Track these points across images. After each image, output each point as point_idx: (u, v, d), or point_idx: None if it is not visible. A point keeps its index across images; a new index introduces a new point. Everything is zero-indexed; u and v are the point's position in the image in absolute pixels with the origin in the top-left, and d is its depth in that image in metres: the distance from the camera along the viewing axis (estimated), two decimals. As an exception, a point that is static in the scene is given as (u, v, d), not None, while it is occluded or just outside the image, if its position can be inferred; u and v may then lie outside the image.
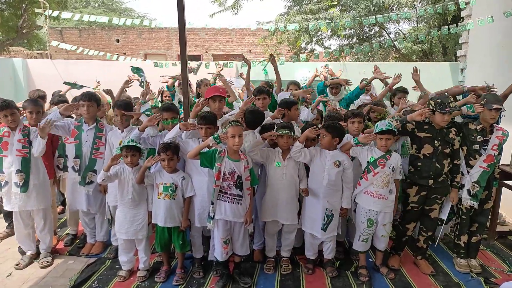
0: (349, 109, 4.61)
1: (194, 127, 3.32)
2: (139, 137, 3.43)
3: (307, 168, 3.51)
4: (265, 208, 3.46)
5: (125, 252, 3.44)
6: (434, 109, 3.33)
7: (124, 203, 3.32)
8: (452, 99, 3.38)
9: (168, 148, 3.24)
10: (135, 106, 4.52)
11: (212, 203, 3.15)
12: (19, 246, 3.83)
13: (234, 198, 3.15)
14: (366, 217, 3.39)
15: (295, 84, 4.91)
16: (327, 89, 4.94)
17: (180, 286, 3.31)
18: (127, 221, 3.32)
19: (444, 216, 3.53)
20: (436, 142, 3.38)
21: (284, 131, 3.30)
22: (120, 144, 3.41)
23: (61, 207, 4.91)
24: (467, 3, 6.94)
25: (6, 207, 3.66)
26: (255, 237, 3.80)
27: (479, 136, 3.49)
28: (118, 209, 3.38)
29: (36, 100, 4.08)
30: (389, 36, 13.10)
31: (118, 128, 3.75)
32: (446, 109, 3.27)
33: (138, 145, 3.30)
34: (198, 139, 3.44)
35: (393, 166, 3.32)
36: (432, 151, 3.39)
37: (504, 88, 3.98)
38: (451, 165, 3.45)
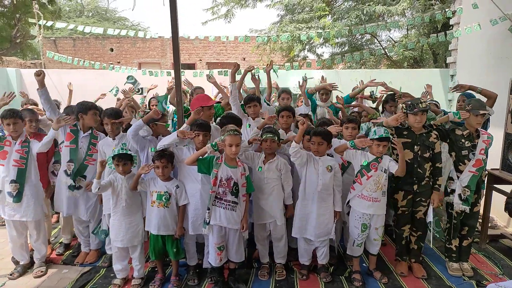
0: (337, 115, 4.70)
1: (191, 134, 3.35)
2: (141, 128, 3.49)
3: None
4: (255, 212, 3.50)
5: (119, 260, 3.44)
6: (406, 111, 3.41)
7: (118, 211, 3.32)
8: (422, 100, 3.42)
9: (163, 155, 3.26)
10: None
11: (208, 209, 3.17)
12: (13, 256, 3.82)
13: (229, 205, 3.17)
14: (360, 222, 3.43)
15: (287, 92, 4.97)
16: (317, 95, 4.99)
17: (175, 294, 3.32)
18: (122, 228, 3.32)
19: (429, 218, 3.55)
20: (415, 147, 3.44)
21: (268, 135, 3.35)
22: (112, 151, 3.42)
23: (57, 215, 4.89)
24: (454, 12, 7.08)
25: (2, 215, 3.67)
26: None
27: (467, 142, 3.55)
28: (113, 217, 3.36)
29: (32, 109, 4.16)
30: (380, 43, 13.27)
31: (109, 136, 3.78)
32: (414, 109, 3.35)
33: (129, 152, 3.32)
34: (186, 145, 3.48)
35: (385, 168, 3.37)
36: (412, 156, 3.45)
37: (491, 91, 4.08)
38: (432, 168, 3.50)
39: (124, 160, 3.29)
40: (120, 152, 3.25)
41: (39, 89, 3.65)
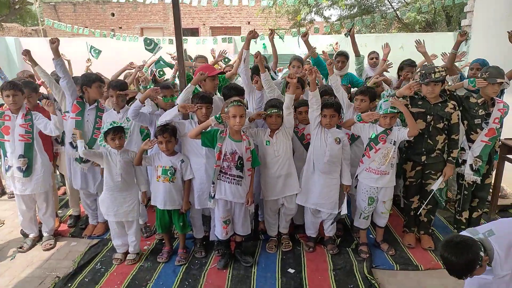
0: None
1: (192, 108, 3.24)
2: (139, 108, 3.35)
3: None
4: (266, 187, 3.44)
5: (118, 235, 3.43)
6: (420, 81, 3.26)
7: (112, 186, 3.25)
8: (438, 69, 3.20)
9: (165, 130, 3.18)
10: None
11: (213, 183, 3.13)
12: (22, 229, 3.86)
13: (234, 179, 3.12)
14: (367, 195, 3.38)
15: (298, 60, 4.62)
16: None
17: (182, 266, 3.34)
18: (116, 203, 3.28)
19: (434, 187, 3.41)
20: (428, 117, 3.31)
21: (273, 110, 3.25)
22: (106, 127, 3.28)
23: (64, 187, 4.91)
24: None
25: (12, 190, 3.68)
26: (260, 209, 3.83)
27: (480, 110, 3.41)
28: (104, 192, 3.30)
29: (31, 82, 4.05)
30: (391, 5, 12.71)
31: (114, 109, 3.68)
32: (426, 80, 3.20)
33: (122, 125, 3.26)
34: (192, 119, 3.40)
35: (394, 141, 3.27)
36: (424, 127, 3.32)
37: (509, 58, 3.89)
38: (447, 140, 3.38)
39: (119, 133, 3.22)
40: (114, 126, 3.16)
41: (55, 59, 3.49)
